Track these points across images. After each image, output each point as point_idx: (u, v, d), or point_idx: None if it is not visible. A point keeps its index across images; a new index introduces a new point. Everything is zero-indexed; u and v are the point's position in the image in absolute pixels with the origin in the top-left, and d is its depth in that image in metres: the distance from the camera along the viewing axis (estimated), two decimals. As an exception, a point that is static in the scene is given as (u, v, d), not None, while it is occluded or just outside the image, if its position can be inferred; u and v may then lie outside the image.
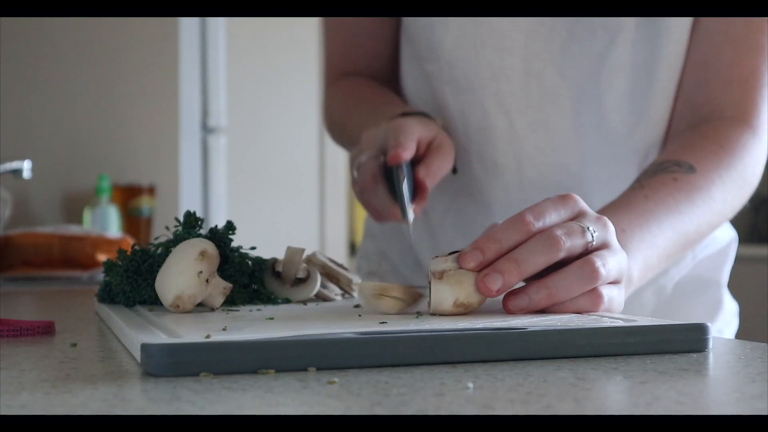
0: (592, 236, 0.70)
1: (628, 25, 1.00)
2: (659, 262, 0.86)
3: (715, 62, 0.99)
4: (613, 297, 0.71)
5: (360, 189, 0.94)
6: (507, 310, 0.68)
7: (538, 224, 0.69)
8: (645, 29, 1.00)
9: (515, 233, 0.69)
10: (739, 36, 0.99)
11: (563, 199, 0.72)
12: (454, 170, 0.96)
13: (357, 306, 0.78)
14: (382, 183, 0.91)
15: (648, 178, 0.91)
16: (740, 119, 0.98)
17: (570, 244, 0.68)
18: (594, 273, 0.68)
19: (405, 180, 0.87)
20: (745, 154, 0.97)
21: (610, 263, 0.70)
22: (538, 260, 0.68)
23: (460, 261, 0.68)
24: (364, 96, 1.14)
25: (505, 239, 0.69)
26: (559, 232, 0.68)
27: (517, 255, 0.68)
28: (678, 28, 1.00)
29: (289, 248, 0.84)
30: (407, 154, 0.88)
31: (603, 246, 0.71)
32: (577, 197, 0.73)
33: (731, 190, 0.95)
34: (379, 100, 1.12)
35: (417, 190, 0.90)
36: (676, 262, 1.07)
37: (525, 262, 0.68)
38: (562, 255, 0.68)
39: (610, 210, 0.86)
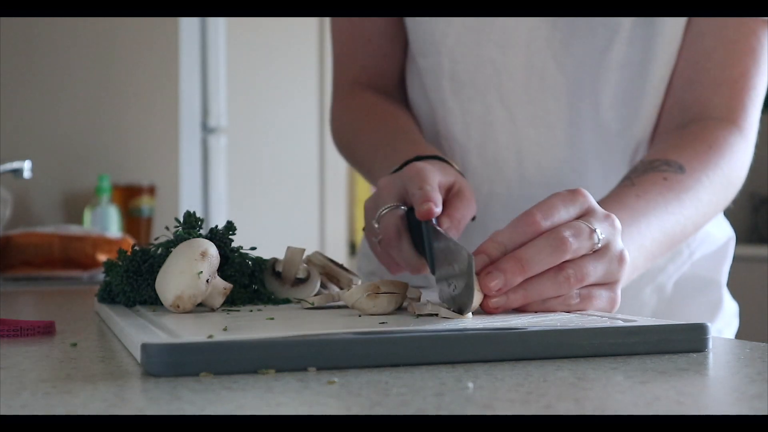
0: (599, 238, 0.70)
1: (626, 23, 1.01)
2: (645, 262, 0.86)
3: (706, 63, 1.00)
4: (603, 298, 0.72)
5: (382, 243, 0.87)
6: (484, 293, 0.68)
7: (546, 223, 0.69)
8: (642, 28, 1.01)
9: (520, 235, 0.69)
10: (732, 38, 0.99)
11: (573, 195, 0.72)
12: (473, 218, 0.90)
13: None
14: (405, 236, 0.86)
15: (639, 176, 0.91)
16: (729, 120, 0.98)
17: (577, 246, 0.69)
18: (574, 279, 0.68)
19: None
20: (732, 155, 0.97)
21: (600, 266, 0.70)
22: (543, 261, 0.68)
23: None
24: (376, 115, 1.11)
25: (509, 243, 0.69)
26: (566, 233, 0.68)
27: (522, 254, 0.68)
28: (673, 28, 1.01)
29: (289, 248, 0.84)
30: (438, 209, 0.80)
31: (605, 247, 0.71)
32: (586, 193, 0.73)
33: (718, 192, 0.95)
34: (391, 123, 1.08)
35: None
36: (656, 261, 1.09)
37: (529, 262, 0.68)
38: (567, 257, 0.68)
39: (602, 206, 0.85)
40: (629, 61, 1.02)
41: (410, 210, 0.84)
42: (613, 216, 0.73)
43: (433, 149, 1.00)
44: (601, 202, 0.87)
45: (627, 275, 0.82)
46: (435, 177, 0.85)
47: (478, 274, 0.68)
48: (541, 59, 1.04)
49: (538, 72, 1.04)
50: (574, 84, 1.04)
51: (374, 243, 0.88)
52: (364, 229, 0.92)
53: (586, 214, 0.72)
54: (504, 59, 1.04)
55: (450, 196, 0.87)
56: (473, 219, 0.90)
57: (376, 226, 0.86)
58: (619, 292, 0.74)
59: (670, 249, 0.92)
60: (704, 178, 0.93)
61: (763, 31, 0.99)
